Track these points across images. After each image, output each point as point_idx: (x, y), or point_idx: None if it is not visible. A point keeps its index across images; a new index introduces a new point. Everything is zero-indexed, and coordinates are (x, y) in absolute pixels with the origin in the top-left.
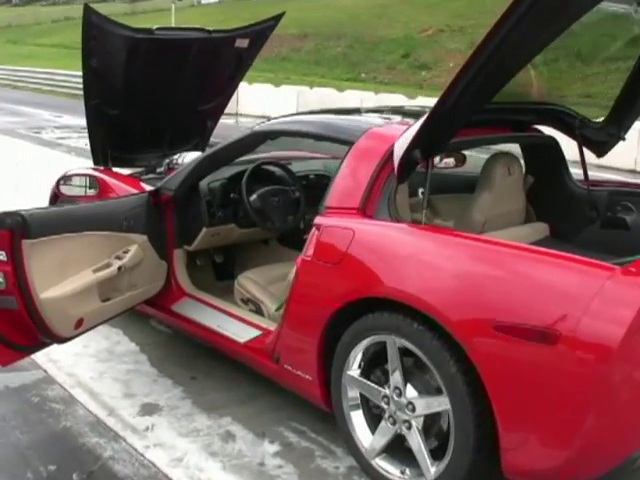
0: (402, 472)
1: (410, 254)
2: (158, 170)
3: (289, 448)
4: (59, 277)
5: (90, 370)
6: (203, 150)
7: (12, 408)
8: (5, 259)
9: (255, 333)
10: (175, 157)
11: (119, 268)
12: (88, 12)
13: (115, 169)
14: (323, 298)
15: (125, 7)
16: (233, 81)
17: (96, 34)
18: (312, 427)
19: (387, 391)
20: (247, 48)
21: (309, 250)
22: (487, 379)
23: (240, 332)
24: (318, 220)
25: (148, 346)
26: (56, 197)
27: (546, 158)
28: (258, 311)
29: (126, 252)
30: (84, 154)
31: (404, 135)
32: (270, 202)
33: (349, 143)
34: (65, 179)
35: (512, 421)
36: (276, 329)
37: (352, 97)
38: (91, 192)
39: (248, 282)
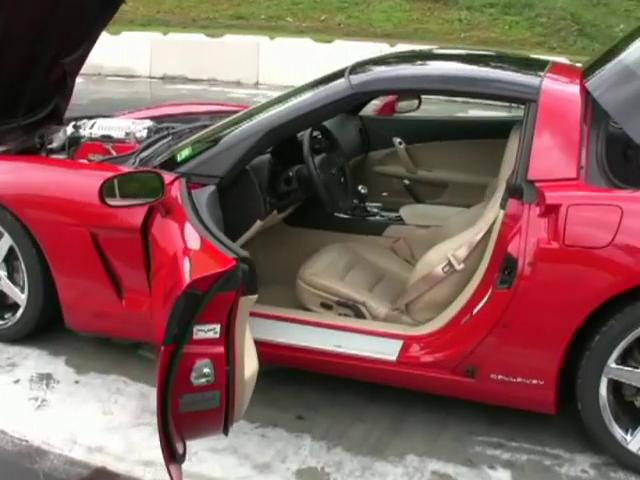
0: None
1: None
2: (52, 146)
3: (519, 469)
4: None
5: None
6: (60, 117)
7: None
8: (217, 336)
9: (397, 345)
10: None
11: None
12: None
13: None
14: (584, 289)
15: None
16: (99, 21)
17: None
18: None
19: None
20: None
21: (547, 235)
22: None
23: (371, 347)
24: (549, 199)
25: None
26: None
27: None
28: (357, 315)
29: None
30: None
31: None
32: (330, 175)
33: (523, 101)
34: None
35: None
36: (457, 336)
37: None
38: None
39: (327, 282)
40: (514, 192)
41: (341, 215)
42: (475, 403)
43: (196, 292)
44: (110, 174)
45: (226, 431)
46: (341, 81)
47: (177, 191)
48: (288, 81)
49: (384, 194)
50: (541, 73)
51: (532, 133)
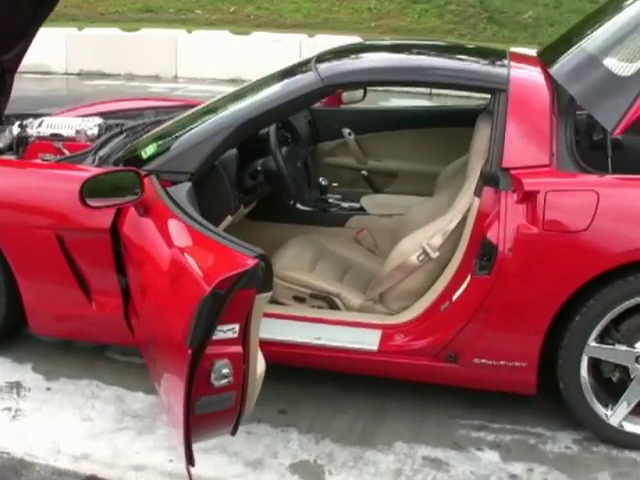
0: None
1: None
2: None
3: (505, 449)
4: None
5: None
6: None
7: None
8: (236, 335)
9: (376, 334)
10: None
11: None
12: None
13: None
14: (564, 272)
15: None
16: (36, 19)
17: None
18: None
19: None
20: None
21: (526, 221)
22: None
23: (351, 338)
24: (527, 185)
25: None
26: None
27: None
28: (331, 306)
29: None
30: None
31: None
32: (295, 167)
33: (493, 91)
34: None
35: None
36: (437, 323)
37: None
38: None
39: (298, 275)
40: (489, 180)
41: (302, 207)
42: (452, 388)
43: (220, 292)
44: (75, 174)
45: (235, 431)
46: (310, 74)
47: (152, 189)
48: (207, 74)
49: (334, 185)
50: (505, 62)
51: (504, 122)
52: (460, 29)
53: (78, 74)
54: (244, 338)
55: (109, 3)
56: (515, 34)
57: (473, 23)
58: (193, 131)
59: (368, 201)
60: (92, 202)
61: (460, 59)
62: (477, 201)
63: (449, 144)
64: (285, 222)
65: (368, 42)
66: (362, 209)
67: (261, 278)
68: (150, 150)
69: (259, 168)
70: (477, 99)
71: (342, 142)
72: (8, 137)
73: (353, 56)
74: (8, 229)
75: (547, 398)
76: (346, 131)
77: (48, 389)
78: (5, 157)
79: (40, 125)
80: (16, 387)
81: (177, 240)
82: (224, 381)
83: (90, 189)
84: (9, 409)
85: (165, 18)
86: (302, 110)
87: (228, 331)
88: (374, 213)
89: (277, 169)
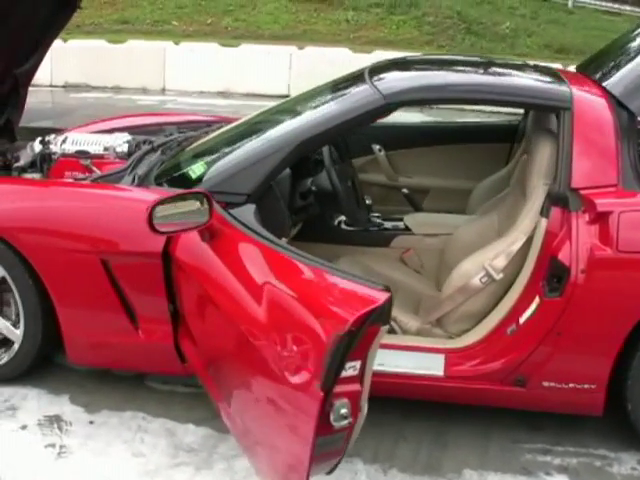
0: None
1: None
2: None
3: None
4: None
5: None
6: (12, 132)
7: None
8: (356, 373)
9: (440, 359)
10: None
11: None
12: None
13: None
14: (637, 293)
15: None
16: (50, 33)
17: None
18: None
19: None
20: None
21: (599, 242)
22: None
23: (415, 363)
24: (600, 206)
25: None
26: None
27: None
28: (388, 331)
29: None
30: None
31: None
32: (347, 187)
33: (557, 110)
34: None
35: None
36: (504, 346)
37: None
38: None
39: None
40: (557, 200)
41: (344, 227)
42: (511, 410)
43: (355, 330)
44: (124, 195)
45: (332, 471)
46: (369, 90)
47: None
48: (196, 86)
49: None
50: (564, 80)
51: (570, 142)
52: (439, 40)
53: (63, 86)
54: (362, 375)
55: (85, 15)
56: (493, 45)
57: (451, 34)
58: (247, 150)
59: (411, 220)
60: (162, 227)
61: (520, 77)
62: (544, 222)
63: (480, 160)
64: (326, 242)
65: (417, 56)
66: (405, 228)
67: (388, 313)
68: (199, 169)
69: (313, 188)
70: (504, 114)
71: (372, 158)
72: (29, 154)
73: (411, 72)
74: (47, 254)
75: (604, 419)
76: (376, 147)
77: (91, 422)
78: (30, 176)
79: (64, 142)
80: (56, 421)
81: (276, 271)
82: (344, 422)
83: (158, 213)
84: (53, 445)
85: (142, 30)
86: (363, 128)
87: (350, 369)
88: (420, 233)
89: (332, 188)
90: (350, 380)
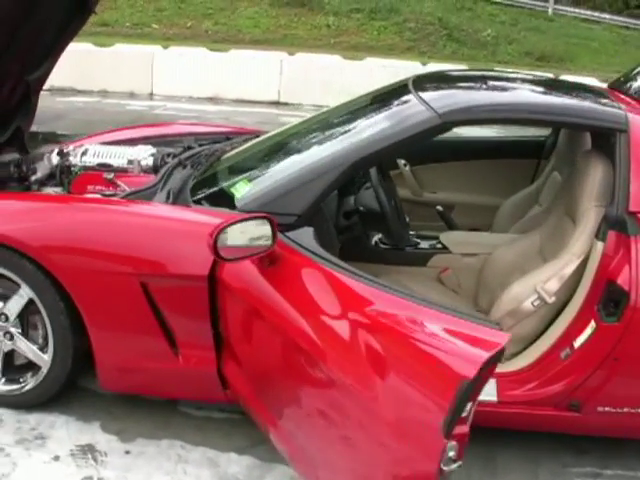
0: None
1: None
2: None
3: None
4: None
5: None
6: (22, 140)
7: None
8: (466, 414)
9: (491, 383)
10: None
11: None
12: None
13: None
14: None
15: None
16: (62, 39)
17: None
18: None
19: None
20: None
21: None
22: None
23: None
24: None
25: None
26: None
27: None
28: None
29: None
30: None
31: None
32: (392, 206)
33: (612, 132)
34: None
35: None
36: (558, 370)
37: None
38: None
39: None
40: (614, 224)
41: (382, 246)
42: (556, 434)
43: (481, 374)
44: (162, 213)
45: None
46: (422, 108)
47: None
48: (185, 91)
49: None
50: (615, 100)
51: (628, 164)
52: (420, 46)
53: (49, 90)
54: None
55: None
56: (475, 52)
57: (433, 41)
58: (297, 168)
59: (447, 239)
60: (227, 254)
61: (574, 97)
62: (601, 245)
63: (505, 176)
64: (363, 261)
65: (460, 71)
66: (442, 246)
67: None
68: (242, 187)
69: (360, 208)
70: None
71: (397, 173)
72: (47, 166)
73: (463, 89)
74: (81, 275)
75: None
76: (401, 162)
77: (127, 452)
78: (51, 190)
79: (85, 154)
80: (90, 451)
81: (370, 309)
82: (454, 466)
83: (223, 240)
84: (90, 479)
85: (121, 32)
86: (414, 147)
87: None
88: (458, 252)
89: (380, 208)
90: (460, 422)
